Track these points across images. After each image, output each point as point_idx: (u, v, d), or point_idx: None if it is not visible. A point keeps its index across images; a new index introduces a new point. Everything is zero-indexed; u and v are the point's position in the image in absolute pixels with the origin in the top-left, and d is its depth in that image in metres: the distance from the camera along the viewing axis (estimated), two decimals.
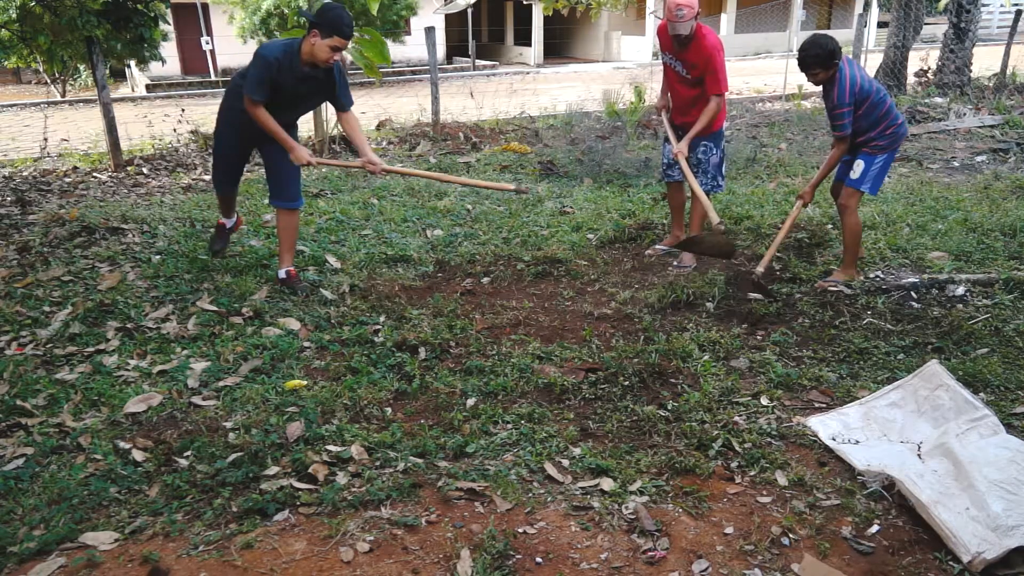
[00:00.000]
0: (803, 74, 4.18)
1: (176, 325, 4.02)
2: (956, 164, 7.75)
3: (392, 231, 5.62)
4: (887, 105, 4.23)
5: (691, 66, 4.55)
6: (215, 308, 4.17)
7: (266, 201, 6.40)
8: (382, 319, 4.07)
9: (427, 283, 4.65)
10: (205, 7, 20.01)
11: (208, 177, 7.69)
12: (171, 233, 5.48)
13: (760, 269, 4.26)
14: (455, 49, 26.16)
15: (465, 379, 3.46)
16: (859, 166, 4.31)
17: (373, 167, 4.24)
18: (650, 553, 2.39)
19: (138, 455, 2.89)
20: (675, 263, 4.89)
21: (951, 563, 2.33)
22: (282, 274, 4.49)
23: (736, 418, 3.13)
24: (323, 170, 7.76)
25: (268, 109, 4.03)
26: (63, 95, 18.02)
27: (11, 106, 16.26)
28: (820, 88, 4.27)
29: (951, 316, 3.94)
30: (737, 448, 2.93)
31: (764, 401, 3.29)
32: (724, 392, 3.34)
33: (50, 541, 2.43)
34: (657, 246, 5.18)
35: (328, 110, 8.87)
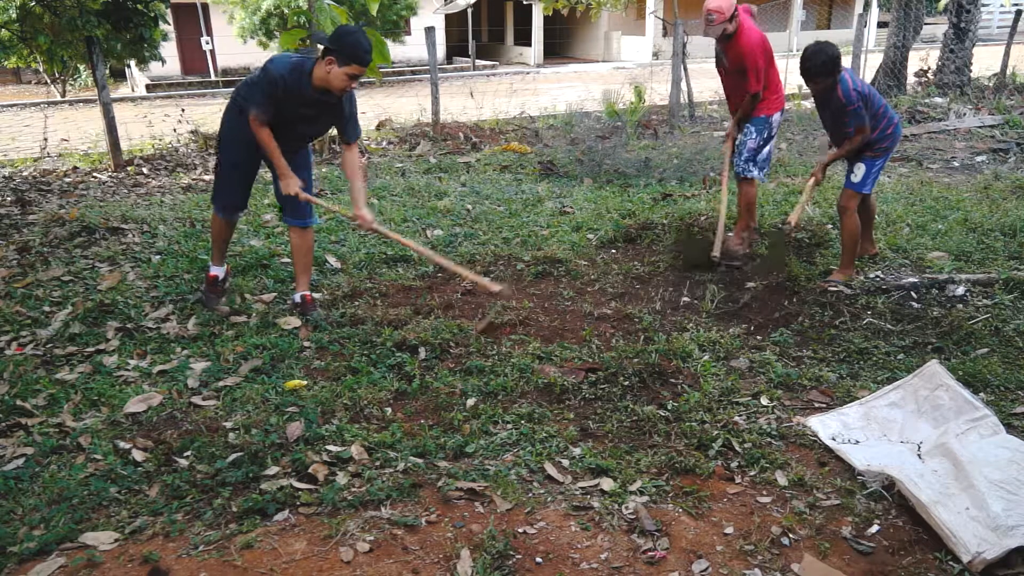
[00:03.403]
0: (806, 82, 4.16)
1: (176, 325, 4.02)
2: (956, 164, 7.74)
3: (392, 231, 5.61)
4: (883, 106, 4.29)
5: (730, 60, 4.81)
6: (216, 307, 4.18)
7: (266, 201, 6.42)
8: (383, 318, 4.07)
9: (427, 283, 4.65)
10: (205, 7, 20.01)
11: (208, 177, 7.69)
12: (171, 233, 5.48)
13: (792, 221, 4.48)
14: (455, 49, 26.17)
15: (465, 379, 3.46)
16: (860, 169, 4.33)
17: (363, 222, 3.92)
18: (650, 553, 2.39)
19: (138, 455, 2.89)
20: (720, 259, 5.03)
21: (951, 563, 2.33)
22: (297, 298, 4.16)
23: (736, 418, 3.13)
24: (323, 169, 7.77)
25: (276, 128, 3.77)
26: (63, 95, 18.03)
27: (11, 106, 16.27)
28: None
29: (951, 316, 3.94)
30: (737, 448, 2.93)
31: (764, 401, 3.29)
32: (724, 392, 3.34)
33: (50, 541, 2.43)
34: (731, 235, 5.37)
35: None
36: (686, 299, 4.38)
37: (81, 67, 17.99)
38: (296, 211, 4.09)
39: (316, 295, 4.37)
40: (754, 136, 4.95)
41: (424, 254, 4.09)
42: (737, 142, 5.07)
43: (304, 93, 3.69)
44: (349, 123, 3.94)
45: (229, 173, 4.08)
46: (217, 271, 4.28)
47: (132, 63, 12.57)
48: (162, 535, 2.48)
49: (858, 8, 26.63)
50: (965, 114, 9.84)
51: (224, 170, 4.10)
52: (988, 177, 6.94)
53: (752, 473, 2.80)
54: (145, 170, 7.96)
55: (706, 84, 11.81)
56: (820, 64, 4.02)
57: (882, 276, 4.57)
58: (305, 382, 3.43)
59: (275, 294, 4.42)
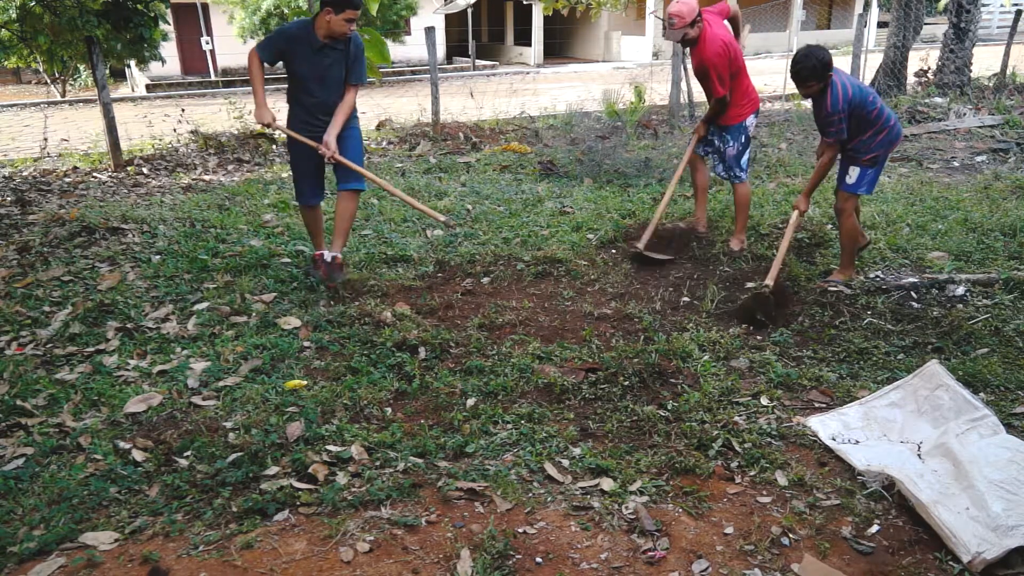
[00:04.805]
0: (796, 86, 4.14)
1: (176, 325, 4.02)
2: (956, 164, 7.74)
3: (392, 231, 5.62)
4: (878, 109, 4.18)
5: (694, 65, 4.92)
6: (216, 307, 4.17)
7: (266, 201, 6.43)
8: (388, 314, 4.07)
9: (427, 283, 4.65)
10: (205, 7, 20.02)
11: (208, 177, 7.70)
12: (171, 233, 5.48)
13: (769, 282, 4.12)
14: (455, 49, 26.17)
15: (465, 379, 3.46)
16: (855, 171, 4.28)
17: (324, 150, 4.29)
18: (650, 553, 2.39)
19: (138, 455, 2.89)
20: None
21: (951, 563, 2.34)
22: (327, 256, 4.47)
23: (736, 418, 3.13)
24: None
25: (302, 93, 4.32)
26: (63, 95, 18.03)
27: (11, 106, 16.26)
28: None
29: (951, 316, 3.94)
30: (737, 448, 2.93)
31: (764, 401, 3.29)
32: (724, 392, 3.34)
33: (50, 541, 2.43)
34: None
35: None
36: (686, 299, 4.38)
37: (81, 67, 18.00)
38: (347, 177, 4.49)
39: (316, 296, 4.38)
40: (731, 143, 5.04)
41: (381, 184, 4.65)
42: (717, 150, 5.14)
43: (313, 43, 4.21)
44: (355, 65, 4.37)
45: (294, 166, 4.60)
46: (323, 251, 4.61)
47: (132, 63, 12.59)
48: (162, 535, 2.48)
49: (858, 8, 26.63)
50: (965, 114, 9.84)
51: (291, 163, 4.63)
52: (988, 177, 6.94)
53: (752, 473, 2.80)
54: (145, 170, 7.96)
55: None
56: (810, 68, 4.00)
57: (882, 276, 4.57)
58: (305, 382, 3.43)
59: (275, 294, 4.42)
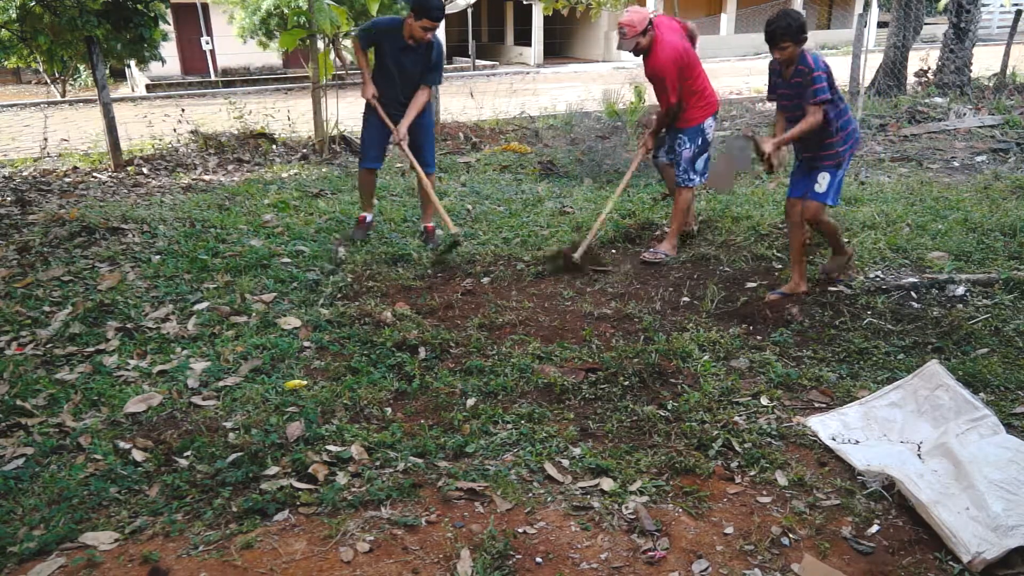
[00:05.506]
0: (771, 49, 3.96)
1: (176, 325, 4.02)
2: (956, 164, 7.74)
3: (392, 231, 5.62)
4: (844, 103, 4.14)
5: (647, 72, 4.91)
6: (216, 307, 4.17)
7: (266, 201, 6.45)
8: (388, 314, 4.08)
9: (427, 283, 4.65)
10: (205, 7, 20.02)
11: (208, 177, 7.70)
12: (171, 233, 5.48)
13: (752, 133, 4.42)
14: (455, 49, 26.16)
15: (465, 379, 3.46)
16: (824, 179, 4.16)
17: (395, 135, 5.04)
18: (650, 553, 2.39)
19: (138, 455, 2.89)
20: (651, 250, 5.13)
21: (951, 563, 2.34)
22: (421, 228, 5.51)
23: (736, 418, 3.13)
24: (323, 170, 7.80)
25: (383, 79, 5.02)
26: (63, 95, 18.02)
27: (11, 106, 16.26)
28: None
29: (951, 316, 3.94)
30: (737, 448, 2.93)
31: (764, 401, 3.29)
32: (724, 392, 3.34)
33: (50, 541, 2.43)
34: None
35: (328, 110, 8.91)
36: (686, 299, 4.38)
37: (81, 67, 18.00)
38: (422, 160, 5.23)
39: (324, 289, 4.38)
40: (688, 146, 5.01)
41: (421, 177, 5.19)
42: (673, 152, 5.11)
43: (399, 41, 4.86)
44: (431, 71, 5.05)
45: (366, 132, 5.25)
46: (366, 214, 5.46)
47: (132, 63, 12.59)
48: (162, 535, 2.48)
49: (858, 8, 26.62)
50: (965, 114, 9.84)
51: (364, 130, 5.29)
52: (988, 177, 6.93)
53: (752, 473, 2.80)
54: (145, 170, 7.95)
55: None
56: (784, 27, 3.85)
57: (882, 276, 4.57)
58: (305, 382, 3.43)
59: (275, 294, 4.42)
